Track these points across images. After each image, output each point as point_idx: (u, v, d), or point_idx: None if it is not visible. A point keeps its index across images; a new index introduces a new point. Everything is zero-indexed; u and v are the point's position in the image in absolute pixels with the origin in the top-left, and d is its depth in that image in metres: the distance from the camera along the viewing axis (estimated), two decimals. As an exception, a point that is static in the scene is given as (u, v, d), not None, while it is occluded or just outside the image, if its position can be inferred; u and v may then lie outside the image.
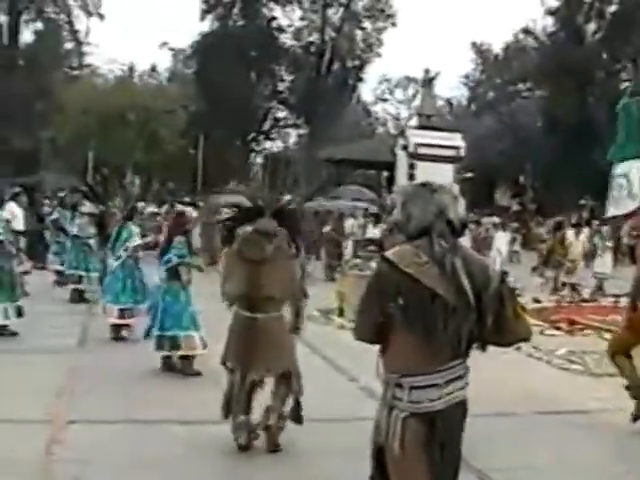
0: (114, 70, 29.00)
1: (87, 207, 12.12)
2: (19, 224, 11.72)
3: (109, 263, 9.38)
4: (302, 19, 37.61)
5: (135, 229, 9.13)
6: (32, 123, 28.70)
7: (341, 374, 7.70)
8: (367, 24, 37.66)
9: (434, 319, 2.84)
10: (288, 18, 37.67)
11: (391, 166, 29.51)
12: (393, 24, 37.67)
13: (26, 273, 11.02)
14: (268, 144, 42.78)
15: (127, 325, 8.91)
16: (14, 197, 12.83)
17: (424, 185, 3.09)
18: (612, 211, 9.47)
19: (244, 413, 5.19)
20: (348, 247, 17.84)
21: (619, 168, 9.23)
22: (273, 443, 5.22)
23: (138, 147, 23.65)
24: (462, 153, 27.15)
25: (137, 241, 9.03)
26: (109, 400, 6.27)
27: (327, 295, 11.81)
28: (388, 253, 3.00)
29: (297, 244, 5.50)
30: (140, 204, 21.37)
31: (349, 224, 19.43)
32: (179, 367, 7.38)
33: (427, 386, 2.86)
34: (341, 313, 11.13)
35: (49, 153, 26.01)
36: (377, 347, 3.03)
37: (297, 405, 5.33)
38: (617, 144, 9.38)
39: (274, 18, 37.62)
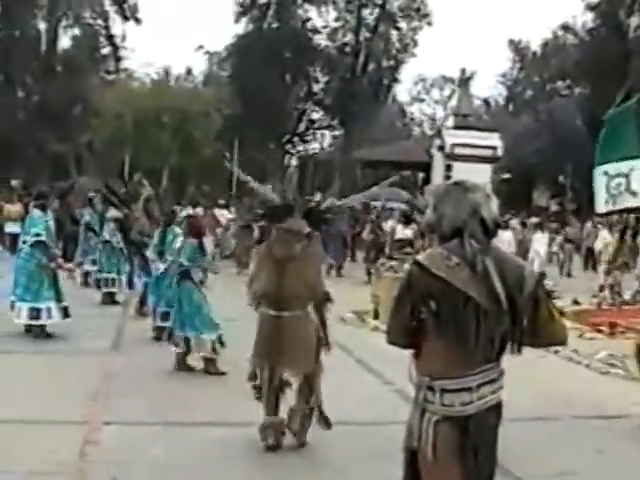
0: (150, 74, 29.33)
1: (112, 212, 12.29)
2: None
3: (155, 266, 9.46)
4: (337, 20, 37.43)
5: (179, 231, 9.15)
6: (69, 127, 29.14)
7: (375, 377, 7.65)
8: (402, 24, 37.36)
9: (466, 322, 2.80)
10: (323, 19, 37.63)
11: (427, 167, 29.36)
12: (429, 23, 37.38)
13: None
14: (303, 146, 42.84)
15: None
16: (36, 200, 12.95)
17: (457, 184, 3.04)
18: (608, 207, 9.73)
19: (272, 414, 5.25)
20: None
21: (618, 166, 9.49)
22: (300, 443, 5.29)
23: (173, 150, 23.83)
24: (499, 153, 26.91)
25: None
26: (144, 402, 6.31)
27: (362, 297, 11.75)
28: (419, 256, 2.96)
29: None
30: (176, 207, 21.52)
31: (388, 225, 19.23)
32: (189, 366, 7.44)
33: (459, 389, 2.82)
34: (376, 315, 11.05)
35: (86, 157, 26.40)
36: (411, 350, 3.00)
37: (320, 412, 5.36)
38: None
39: (309, 19, 37.57)
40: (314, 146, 45.48)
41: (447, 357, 2.83)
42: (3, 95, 31.03)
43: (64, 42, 34.82)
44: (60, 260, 9.13)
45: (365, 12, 36.74)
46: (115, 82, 31.78)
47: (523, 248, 18.87)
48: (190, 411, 6.08)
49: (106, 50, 35.59)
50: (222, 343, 7.44)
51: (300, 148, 42.71)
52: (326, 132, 43.48)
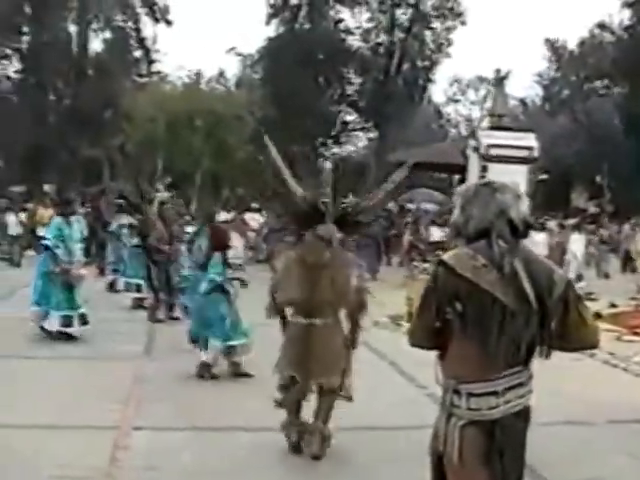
0: (182, 77, 29.38)
1: (124, 219, 12.35)
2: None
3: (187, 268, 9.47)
4: (370, 20, 37.18)
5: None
6: (101, 131, 29.39)
7: (409, 381, 7.57)
8: (436, 24, 37.01)
9: (492, 324, 2.75)
10: (356, 20, 37.41)
11: (463, 169, 29.05)
12: (462, 23, 37.01)
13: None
14: (337, 149, 42.69)
15: None
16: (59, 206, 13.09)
17: (485, 185, 3.00)
18: None
19: (294, 414, 5.25)
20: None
21: None
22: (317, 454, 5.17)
23: (206, 154, 23.91)
24: (536, 154, 26.45)
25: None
26: (174, 407, 6.30)
27: (397, 300, 11.68)
28: (444, 256, 2.90)
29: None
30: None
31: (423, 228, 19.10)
32: (214, 375, 7.41)
33: (485, 393, 2.78)
34: (410, 319, 10.94)
35: (119, 161, 26.57)
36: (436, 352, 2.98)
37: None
38: None
39: (341, 20, 37.39)
40: (349, 148, 45.41)
41: (473, 360, 2.79)
42: (35, 99, 31.34)
43: (95, 45, 35.19)
44: (68, 266, 8.98)
45: (398, 12, 36.44)
46: (147, 85, 31.89)
47: (560, 250, 18.60)
48: (221, 416, 6.06)
49: (138, 53, 35.77)
50: (241, 351, 7.44)
51: (335, 150, 42.59)
52: (361, 134, 43.29)
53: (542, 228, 19.56)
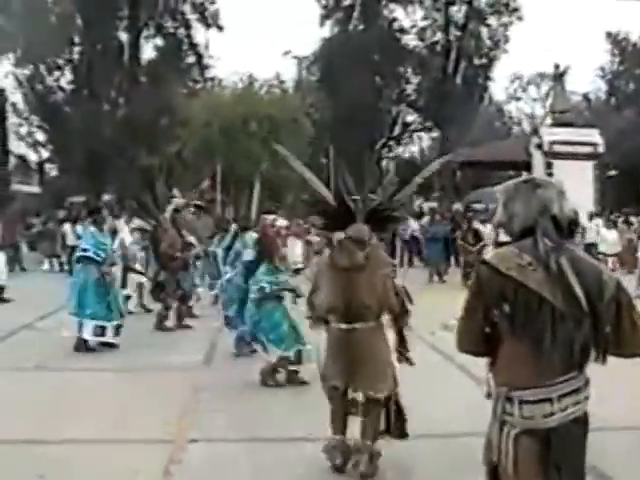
0: (236, 82, 29.32)
1: (135, 222, 12.25)
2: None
3: (224, 272, 9.32)
4: (425, 19, 36.69)
5: (250, 240, 8.89)
6: (157, 139, 29.62)
7: (478, 384, 7.22)
8: (492, 20, 36.34)
9: (541, 326, 2.64)
10: (410, 18, 36.89)
11: (528, 166, 28.39)
12: (519, 18, 36.17)
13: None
14: (400, 149, 42.33)
15: None
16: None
17: (527, 181, 2.92)
18: None
19: (339, 433, 4.96)
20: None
21: None
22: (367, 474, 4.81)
23: (264, 158, 23.84)
24: (601, 149, 25.74)
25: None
26: (232, 418, 6.14)
27: (462, 301, 11.32)
28: (487, 256, 2.86)
29: (394, 250, 5.17)
30: (271, 217, 21.48)
31: (488, 228, 18.47)
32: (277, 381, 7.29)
33: (539, 400, 2.67)
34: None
35: (177, 168, 26.74)
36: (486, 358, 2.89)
37: (401, 420, 5.02)
38: None
39: (395, 19, 36.94)
40: (412, 149, 44.96)
41: (524, 365, 2.69)
42: (88, 109, 31.47)
43: (147, 53, 35.21)
44: (107, 270, 9.08)
45: (452, 10, 35.90)
46: (201, 91, 31.99)
47: (632, 248, 17.90)
48: (279, 427, 5.88)
49: (190, 59, 35.82)
50: (299, 359, 7.20)
51: (399, 151, 42.22)
52: (423, 134, 42.82)
53: (614, 225, 18.82)
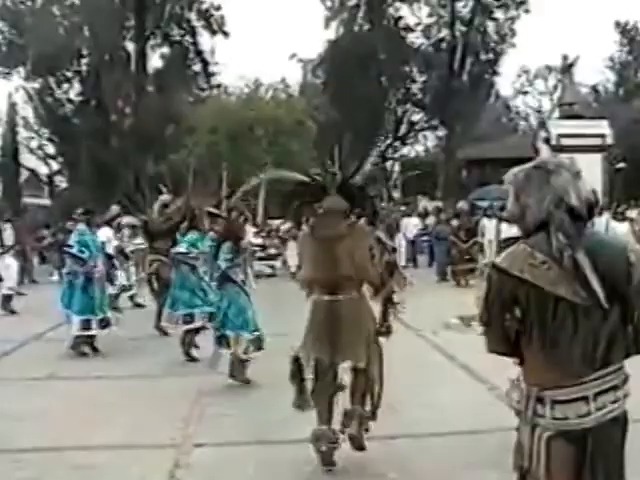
0: (242, 87, 29.36)
1: (126, 219, 12.37)
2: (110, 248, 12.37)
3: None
4: (430, 16, 36.46)
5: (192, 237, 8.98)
6: (164, 148, 29.72)
7: (482, 383, 7.24)
8: (498, 14, 36.03)
9: (560, 326, 2.48)
10: (415, 16, 36.70)
11: (535, 161, 28.29)
12: (526, 11, 35.83)
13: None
14: (405, 150, 42.19)
15: None
16: (109, 221, 13.34)
17: (538, 167, 2.66)
18: None
19: (325, 423, 4.93)
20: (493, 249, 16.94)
21: None
22: (359, 447, 4.98)
23: (270, 162, 23.90)
24: (609, 141, 25.62)
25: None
26: (238, 421, 6.18)
27: (467, 301, 11.32)
28: (498, 258, 2.64)
29: (374, 223, 5.32)
30: (276, 222, 21.54)
31: (492, 225, 18.33)
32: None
33: (572, 400, 2.48)
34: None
35: (184, 176, 26.81)
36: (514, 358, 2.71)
37: (375, 405, 5.07)
38: None
39: (400, 18, 36.74)
40: (417, 149, 44.82)
41: (552, 364, 2.52)
42: (96, 120, 31.74)
43: (154, 61, 35.30)
44: (90, 268, 9.34)
45: (458, 5, 35.68)
46: (209, 98, 32.06)
47: (644, 239, 17.76)
48: (285, 429, 5.82)
49: (197, 67, 35.92)
50: (260, 347, 7.38)
51: (404, 151, 42.08)
52: (428, 133, 42.66)
53: (623, 218, 18.65)
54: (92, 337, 9.31)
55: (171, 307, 8.94)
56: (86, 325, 9.20)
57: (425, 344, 9.55)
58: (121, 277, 12.83)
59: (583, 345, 2.48)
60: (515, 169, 2.72)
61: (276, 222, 20.21)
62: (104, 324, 9.39)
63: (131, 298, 13.24)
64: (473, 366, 7.76)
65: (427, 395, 5.68)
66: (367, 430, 5.06)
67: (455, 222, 18.61)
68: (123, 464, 5.16)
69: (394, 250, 6.09)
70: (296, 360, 5.02)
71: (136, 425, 6.08)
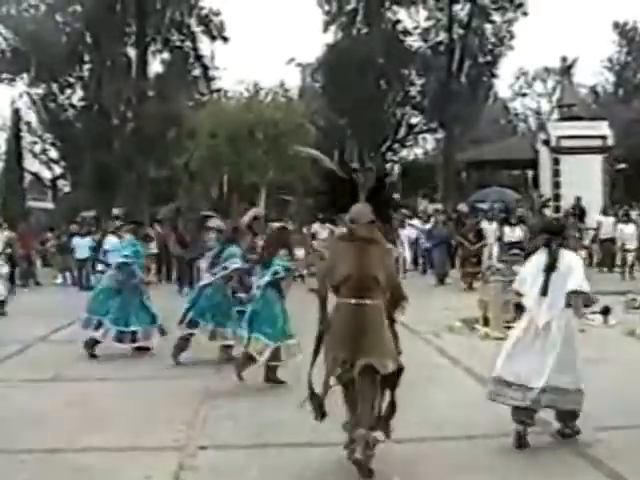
0: (242, 91, 29.43)
1: (215, 222, 12.37)
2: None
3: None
4: (428, 19, 36.47)
5: (236, 250, 8.83)
6: (165, 152, 29.85)
7: (485, 387, 7.24)
8: (496, 17, 36.05)
9: None
10: (413, 19, 36.70)
11: (535, 164, 28.28)
12: (524, 13, 35.83)
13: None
14: (404, 152, 42.18)
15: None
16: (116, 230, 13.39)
17: None
18: None
19: (353, 412, 5.02)
20: (492, 252, 16.94)
21: None
22: (367, 473, 4.86)
23: (270, 166, 23.93)
24: (610, 142, 25.58)
25: (237, 264, 8.71)
26: (242, 424, 6.20)
27: (470, 303, 11.35)
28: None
29: (391, 235, 5.44)
30: (277, 225, 21.52)
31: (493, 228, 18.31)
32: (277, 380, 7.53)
33: None
34: (486, 322, 10.58)
35: (185, 180, 26.96)
36: None
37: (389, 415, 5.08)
38: None
39: (399, 21, 36.77)
40: (417, 151, 44.82)
41: None
42: (98, 125, 31.93)
43: (154, 67, 35.40)
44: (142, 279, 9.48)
45: (456, 8, 35.67)
46: (209, 102, 32.22)
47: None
48: (289, 433, 5.90)
49: (197, 72, 35.96)
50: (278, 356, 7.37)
51: (403, 154, 42.08)
52: (427, 136, 42.68)
53: (628, 220, 18.63)
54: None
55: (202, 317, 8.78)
56: (120, 337, 9.15)
57: (428, 347, 9.55)
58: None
59: None
60: None
61: (276, 225, 20.24)
62: (134, 337, 9.30)
63: None
64: (476, 369, 7.78)
65: (430, 398, 5.67)
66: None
67: (450, 224, 18.66)
68: (126, 466, 5.20)
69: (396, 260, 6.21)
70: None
71: (140, 427, 6.12)
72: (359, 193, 5.23)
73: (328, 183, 5.53)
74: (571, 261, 5.64)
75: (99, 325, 9.20)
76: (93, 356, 9.15)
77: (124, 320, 9.17)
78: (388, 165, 38.09)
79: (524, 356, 5.47)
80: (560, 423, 5.62)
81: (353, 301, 4.94)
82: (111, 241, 12.70)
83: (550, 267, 5.56)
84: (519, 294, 5.92)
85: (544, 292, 5.52)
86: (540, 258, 5.72)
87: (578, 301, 5.50)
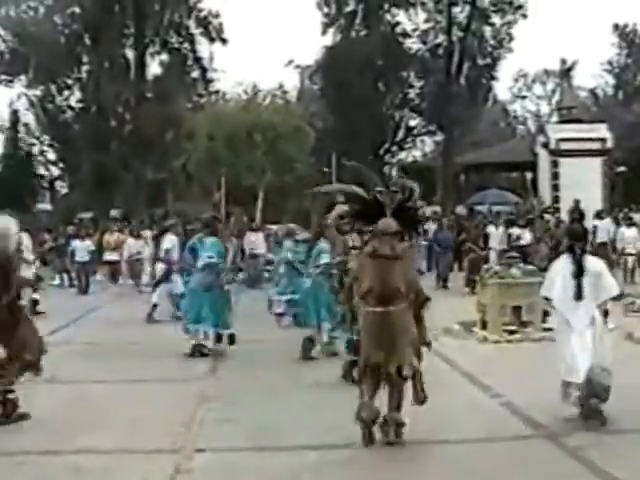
0: (240, 93, 29.44)
1: (147, 234, 12.38)
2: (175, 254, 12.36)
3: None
4: (427, 21, 36.47)
5: (326, 246, 8.86)
6: (163, 154, 29.93)
7: (483, 391, 7.23)
8: (495, 19, 36.05)
9: None
10: (412, 22, 36.70)
11: (533, 166, 28.32)
12: (523, 16, 35.84)
13: None
14: (403, 154, 42.18)
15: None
16: (170, 228, 13.32)
17: None
18: None
19: (369, 397, 5.49)
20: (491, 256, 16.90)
21: None
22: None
23: (268, 168, 23.96)
24: (609, 145, 25.61)
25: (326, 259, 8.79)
26: (239, 427, 6.17)
27: (469, 307, 11.33)
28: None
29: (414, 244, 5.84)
30: (274, 227, 21.58)
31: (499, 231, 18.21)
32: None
33: None
34: (484, 326, 10.56)
35: (182, 182, 27.02)
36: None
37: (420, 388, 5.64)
38: None
39: (397, 23, 36.81)
40: (415, 154, 44.82)
41: None
42: (96, 126, 32.03)
43: (153, 68, 35.49)
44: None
45: (455, 10, 35.67)
46: (207, 104, 32.29)
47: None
48: (286, 436, 5.88)
49: (195, 73, 36.06)
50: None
51: (401, 156, 42.08)
52: (426, 138, 42.70)
53: (631, 223, 18.52)
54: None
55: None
56: (219, 339, 9.23)
57: (426, 350, 9.52)
58: None
59: None
60: None
61: (274, 227, 20.24)
62: (232, 340, 9.31)
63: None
64: (475, 373, 7.78)
65: (428, 402, 5.66)
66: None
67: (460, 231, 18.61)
68: (123, 468, 5.17)
69: None
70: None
71: (137, 429, 6.09)
72: (385, 211, 5.62)
73: (356, 204, 5.96)
74: (596, 266, 5.92)
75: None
76: (205, 355, 9.14)
77: (217, 321, 9.20)
78: (386, 168, 38.13)
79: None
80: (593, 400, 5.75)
81: (379, 309, 5.43)
82: (172, 240, 12.59)
83: (579, 272, 5.81)
84: (547, 299, 6.16)
85: (579, 297, 5.79)
86: (565, 263, 5.93)
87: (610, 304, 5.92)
